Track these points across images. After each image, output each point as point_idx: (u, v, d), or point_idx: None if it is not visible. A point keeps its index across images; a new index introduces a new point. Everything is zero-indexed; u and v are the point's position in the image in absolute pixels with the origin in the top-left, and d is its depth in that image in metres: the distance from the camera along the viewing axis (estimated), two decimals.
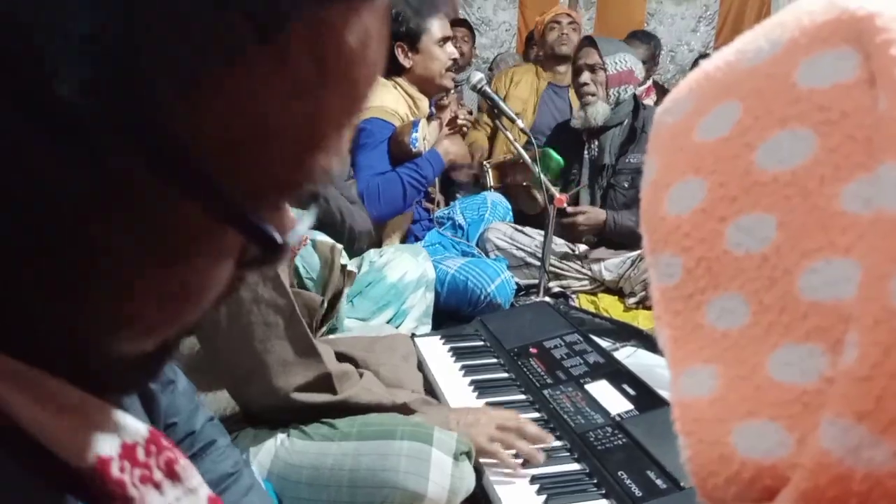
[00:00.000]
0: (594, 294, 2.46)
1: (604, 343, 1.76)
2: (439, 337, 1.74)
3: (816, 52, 0.30)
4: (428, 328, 2.02)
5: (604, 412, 1.30)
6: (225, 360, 1.03)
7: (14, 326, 0.26)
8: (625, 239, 2.41)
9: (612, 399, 1.34)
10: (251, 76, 0.24)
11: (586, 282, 2.48)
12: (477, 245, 2.52)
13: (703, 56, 5.20)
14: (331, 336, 1.59)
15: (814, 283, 0.29)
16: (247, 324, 1.00)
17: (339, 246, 1.43)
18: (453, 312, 2.09)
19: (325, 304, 1.46)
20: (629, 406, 1.31)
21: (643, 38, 3.75)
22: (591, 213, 2.41)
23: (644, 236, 0.37)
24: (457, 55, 2.26)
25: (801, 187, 0.30)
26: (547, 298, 2.31)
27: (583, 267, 2.48)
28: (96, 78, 0.21)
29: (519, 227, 2.54)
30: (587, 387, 1.40)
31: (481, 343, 1.69)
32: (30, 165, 0.22)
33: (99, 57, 0.21)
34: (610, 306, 2.35)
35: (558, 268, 2.47)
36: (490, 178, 3.02)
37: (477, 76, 2.25)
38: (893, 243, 0.26)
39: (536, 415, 1.34)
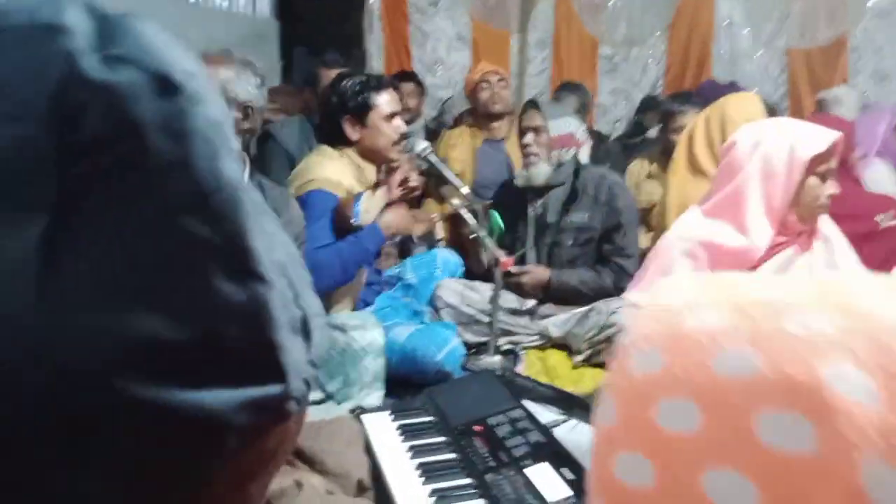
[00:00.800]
0: (543, 350, 2.51)
1: (547, 413, 1.81)
2: (388, 412, 1.76)
3: (775, 408, 0.30)
4: (381, 393, 2.05)
5: (542, 500, 1.34)
6: None
7: None
8: (568, 296, 2.47)
9: (551, 485, 1.38)
10: None
11: (535, 338, 2.54)
12: (429, 303, 2.56)
13: (650, 98, 5.38)
14: None
15: None
16: None
17: None
18: (404, 380, 2.12)
19: None
20: (568, 492, 1.36)
21: (571, 90, 3.88)
22: (534, 273, 2.48)
23: (591, 477, 0.39)
24: (405, 129, 2.32)
25: None
26: (496, 358, 2.37)
27: (531, 323, 2.53)
28: None
29: (469, 284, 2.59)
30: (527, 471, 1.44)
31: (429, 419, 1.72)
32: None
33: None
34: (558, 363, 2.40)
35: (507, 324, 2.52)
36: (440, 231, 3.08)
37: (422, 144, 2.31)
38: None
39: (481, 502, 1.38)
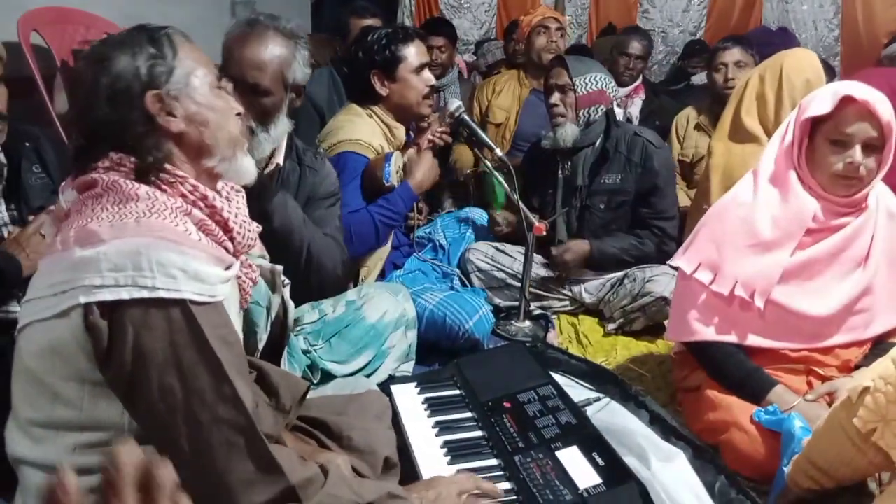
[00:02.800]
0: (575, 315, 2.46)
1: (580, 389, 1.78)
2: (415, 385, 1.74)
3: None
4: (411, 365, 2.03)
5: (572, 486, 1.31)
6: (187, 481, 1.03)
7: None
8: (610, 265, 2.39)
9: (581, 470, 1.35)
10: None
11: (567, 302, 2.48)
12: (458, 266, 2.51)
13: (695, 42, 5.12)
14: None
15: None
16: (207, 446, 1.00)
17: (279, 268, 1.41)
18: (433, 345, 2.10)
19: (269, 326, 1.45)
20: (597, 479, 1.32)
21: (643, 36, 3.69)
22: (574, 248, 2.39)
23: None
24: (434, 82, 2.22)
25: None
26: (527, 323, 2.33)
27: (563, 288, 2.48)
28: None
29: (500, 247, 2.53)
30: (558, 454, 1.40)
31: (457, 393, 1.69)
32: None
33: None
34: (590, 330, 2.35)
35: (539, 289, 2.47)
36: (473, 189, 3.01)
37: (455, 104, 2.22)
38: None
39: (507, 485, 1.35)
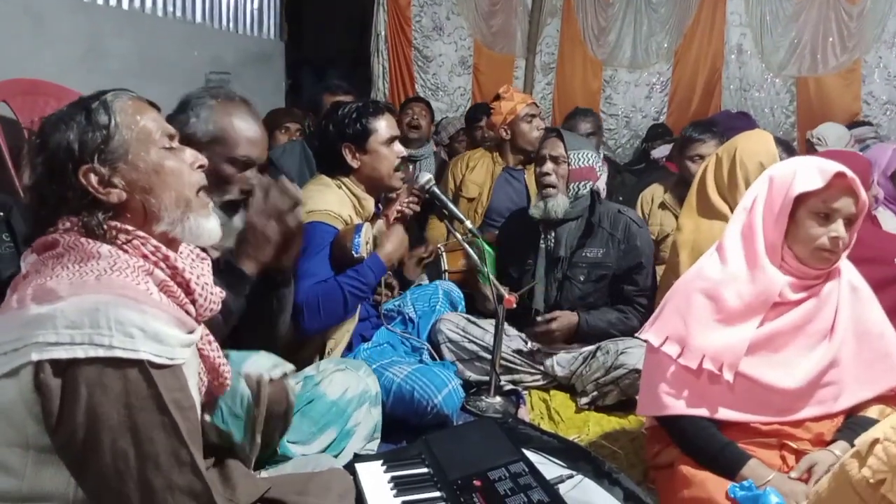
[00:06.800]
0: (546, 391, 2.42)
1: (552, 466, 1.72)
2: (381, 462, 1.66)
3: None
4: (377, 444, 1.94)
5: None
6: None
7: None
8: (592, 339, 2.38)
9: None
10: None
11: (539, 377, 2.44)
12: (428, 338, 2.47)
13: (658, 125, 5.31)
14: (263, 473, 1.52)
15: None
16: None
17: (267, 378, 1.36)
18: (401, 422, 2.03)
19: (257, 443, 1.40)
20: None
21: (583, 115, 3.82)
22: (563, 318, 2.38)
23: None
24: (405, 153, 2.24)
25: None
26: (497, 398, 2.27)
27: (535, 362, 2.44)
28: None
29: (472, 319, 2.50)
30: None
31: (425, 471, 1.62)
32: None
33: None
34: (561, 406, 2.31)
35: (510, 362, 2.43)
36: (445, 263, 2.99)
37: (425, 177, 2.23)
38: None
39: None
